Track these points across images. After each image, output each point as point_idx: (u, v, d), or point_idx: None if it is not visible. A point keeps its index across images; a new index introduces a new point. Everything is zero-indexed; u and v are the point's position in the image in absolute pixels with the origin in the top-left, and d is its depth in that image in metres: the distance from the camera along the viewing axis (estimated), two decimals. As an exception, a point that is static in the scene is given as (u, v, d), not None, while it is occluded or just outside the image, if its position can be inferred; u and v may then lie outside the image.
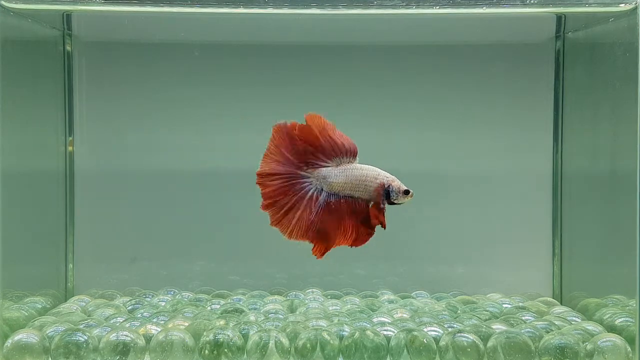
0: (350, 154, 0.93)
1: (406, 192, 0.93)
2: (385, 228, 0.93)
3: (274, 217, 0.93)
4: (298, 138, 0.92)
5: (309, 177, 0.93)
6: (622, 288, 1.08)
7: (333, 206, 0.93)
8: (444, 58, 1.29)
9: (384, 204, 0.93)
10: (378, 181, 0.93)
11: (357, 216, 0.93)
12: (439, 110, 1.28)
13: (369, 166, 0.94)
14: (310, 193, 0.93)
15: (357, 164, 0.93)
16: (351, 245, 0.93)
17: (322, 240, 0.93)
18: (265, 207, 0.93)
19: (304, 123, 0.92)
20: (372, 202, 0.93)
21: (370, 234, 0.93)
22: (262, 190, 0.93)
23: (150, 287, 1.25)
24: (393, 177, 0.94)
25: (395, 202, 0.93)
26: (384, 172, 0.94)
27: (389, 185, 0.92)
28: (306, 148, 0.92)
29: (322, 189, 0.93)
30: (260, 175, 0.93)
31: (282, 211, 0.93)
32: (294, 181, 0.93)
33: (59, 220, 1.27)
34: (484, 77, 1.28)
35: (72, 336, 0.95)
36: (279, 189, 0.93)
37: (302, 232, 0.93)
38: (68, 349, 0.94)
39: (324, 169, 0.93)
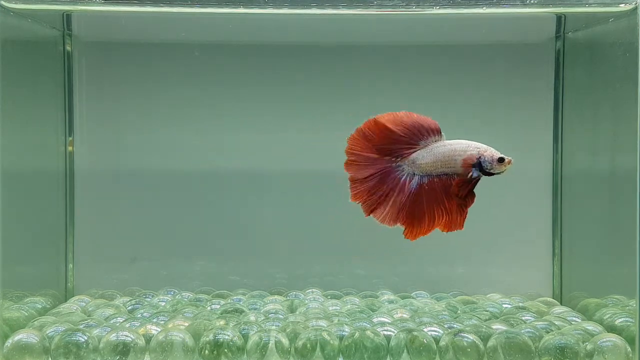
0: (433, 132, 0.92)
1: (501, 160, 0.91)
2: (462, 198, 0.92)
3: (367, 210, 0.95)
4: (374, 138, 0.93)
5: (400, 165, 0.94)
6: (622, 288, 1.08)
7: (427, 187, 0.93)
8: (444, 58, 1.28)
9: (475, 175, 0.92)
10: (467, 153, 0.92)
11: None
12: (439, 110, 1.28)
13: (459, 140, 0.93)
14: (403, 179, 0.94)
15: (445, 141, 0.93)
16: (450, 227, 0.93)
17: (416, 223, 0.93)
18: (359, 201, 0.95)
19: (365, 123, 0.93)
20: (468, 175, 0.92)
21: (462, 208, 0.92)
22: (359, 197, 0.95)
23: (150, 287, 1.25)
24: (486, 146, 0.92)
25: (492, 172, 0.92)
26: (475, 143, 0.93)
27: (480, 156, 0.91)
28: (387, 143, 0.93)
29: (414, 173, 0.93)
30: (353, 181, 0.95)
31: (377, 202, 0.94)
32: (386, 175, 0.94)
33: (59, 220, 1.27)
34: (484, 77, 1.28)
35: (72, 336, 0.95)
36: (374, 186, 0.94)
37: (394, 216, 0.94)
38: (68, 349, 0.94)
39: (412, 154, 0.93)
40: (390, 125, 0.92)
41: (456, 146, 0.92)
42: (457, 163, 0.92)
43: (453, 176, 0.93)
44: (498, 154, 0.91)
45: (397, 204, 0.94)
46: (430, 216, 0.93)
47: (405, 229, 0.94)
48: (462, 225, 0.93)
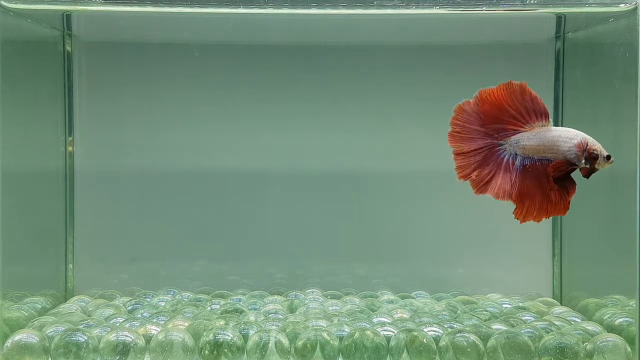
0: (541, 116, 0.91)
1: (607, 158, 0.90)
2: (556, 182, 0.90)
3: (476, 187, 0.93)
4: (483, 110, 0.91)
5: (502, 144, 0.93)
6: (622, 288, 1.08)
7: (529, 169, 0.92)
8: (444, 58, 1.28)
9: (579, 163, 0.90)
10: (574, 142, 0.90)
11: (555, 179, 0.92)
12: (439, 110, 1.28)
13: (565, 128, 0.92)
14: (506, 159, 0.93)
15: (552, 127, 0.91)
16: (552, 213, 0.91)
17: (526, 203, 0.92)
18: (467, 179, 0.94)
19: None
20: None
21: (563, 194, 0.91)
22: (461, 170, 0.93)
23: (150, 287, 1.25)
24: (593, 140, 0.91)
25: (597, 167, 0.90)
26: (582, 133, 0.91)
27: (590, 148, 0.90)
28: (494, 118, 0.91)
29: (516, 154, 0.92)
30: (458, 154, 0.93)
31: (484, 181, 0.93)
32: (490, 151, 0.93)
33: (59, 220, 1.27)
34: (484, 77, 1.28)
35: (72, 336, 0.95)
36: (478, 161, 0.93)
37: (506, 195, 0.93)
38: (68, 349, 0.94)
39: (517, 134, 0.92)
40: (501, 103, 0.91)
41: (562, 133, 0.91)
42: (562, 150, 0.90)
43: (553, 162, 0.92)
44: (605, 151, 0.90)
45: (506, 186, 0.92)
46: (536, 199, 0.92)
47: (517, 209, 0.92)
48: (565, 212, 0.91)
